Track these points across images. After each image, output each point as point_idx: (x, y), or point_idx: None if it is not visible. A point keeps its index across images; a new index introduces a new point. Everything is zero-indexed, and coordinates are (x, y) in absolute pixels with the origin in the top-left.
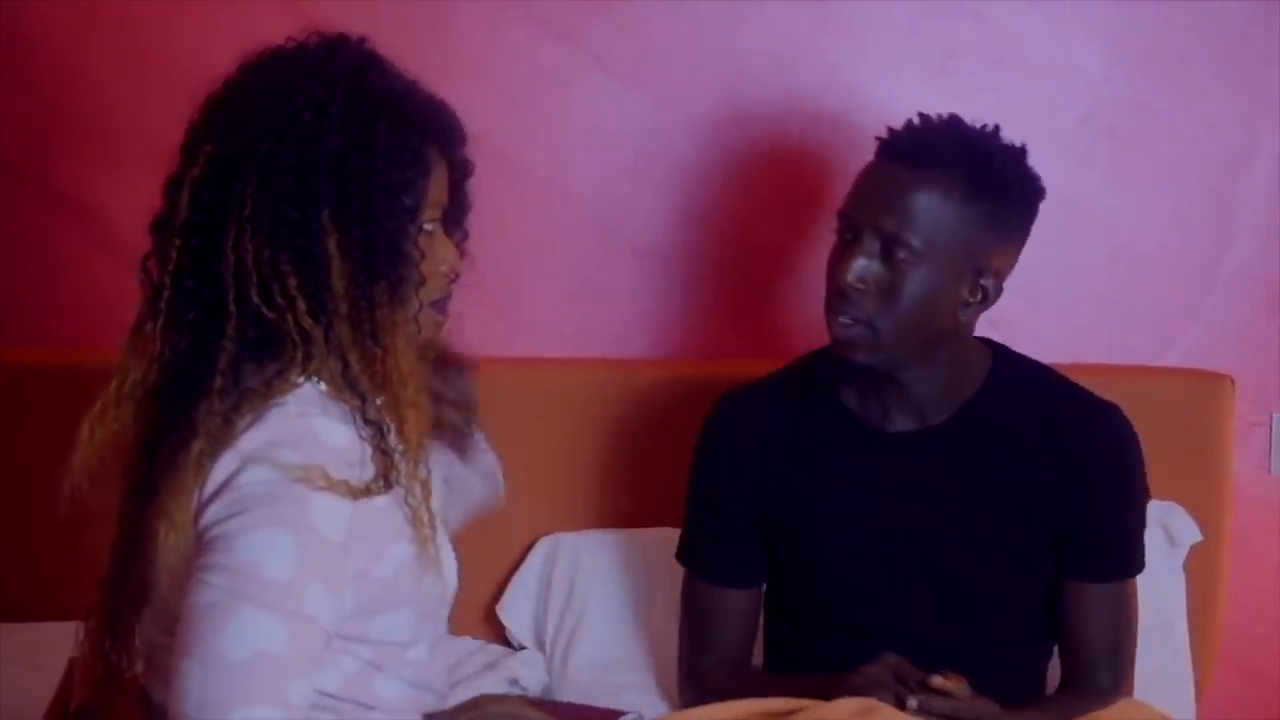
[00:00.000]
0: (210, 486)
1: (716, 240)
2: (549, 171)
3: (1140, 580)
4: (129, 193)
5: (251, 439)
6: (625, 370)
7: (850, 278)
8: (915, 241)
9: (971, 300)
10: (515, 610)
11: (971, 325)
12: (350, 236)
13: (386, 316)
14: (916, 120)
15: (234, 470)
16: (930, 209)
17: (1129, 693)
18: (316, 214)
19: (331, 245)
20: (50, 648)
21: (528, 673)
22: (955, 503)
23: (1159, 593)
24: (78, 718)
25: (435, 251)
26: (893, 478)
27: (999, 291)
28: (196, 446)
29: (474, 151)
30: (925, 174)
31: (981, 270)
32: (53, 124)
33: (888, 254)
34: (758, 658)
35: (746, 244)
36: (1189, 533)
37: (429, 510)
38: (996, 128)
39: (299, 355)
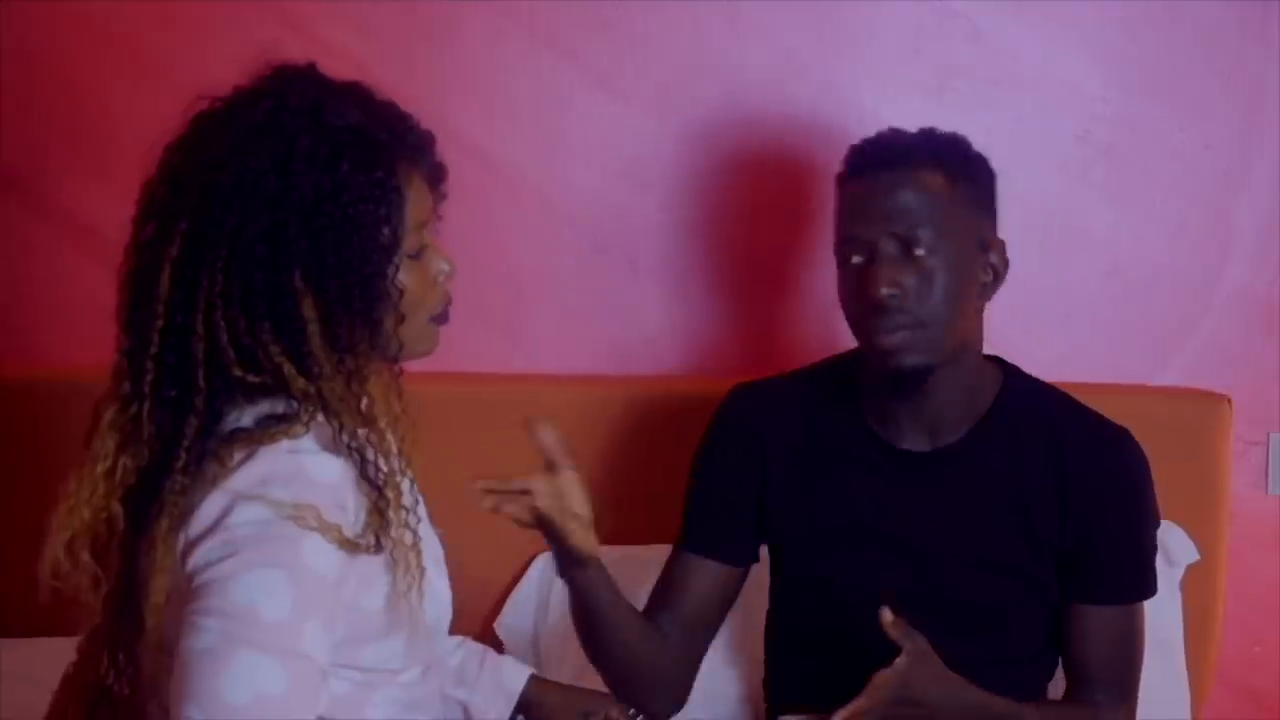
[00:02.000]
0: (199, 525)
1: (717, 257)
2: (549, 188)
3: None
4: (128, 207)
5: (242, 477)
6: (625, 387)
7: (884, 290)
8: (928, 233)
9: (986, 280)
10: (513, 626)
11: (981, 319)
12: (325, 293)
13: (369, 367)
14: (873, 135)
15: (225, 508)
16: (929, 201)
17: (1129, 715)
18: (289, 277)
19: (307, 307)
20: (52, 663)
21: None
22: (962, 523)
23: (1156, 612)
24: None
25: (427, 267)
26: (902, 496)
27: (1006, 266)
28: (163, 524)
29: (473, 167)
30: (911, 172)
31: (986, 248)
32: (50, 138)
33: (907, 253)
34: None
35: (748, 261)
36: (1186, 552)
37: (416, 553)
38: (932, 128)
39: (301, 411)
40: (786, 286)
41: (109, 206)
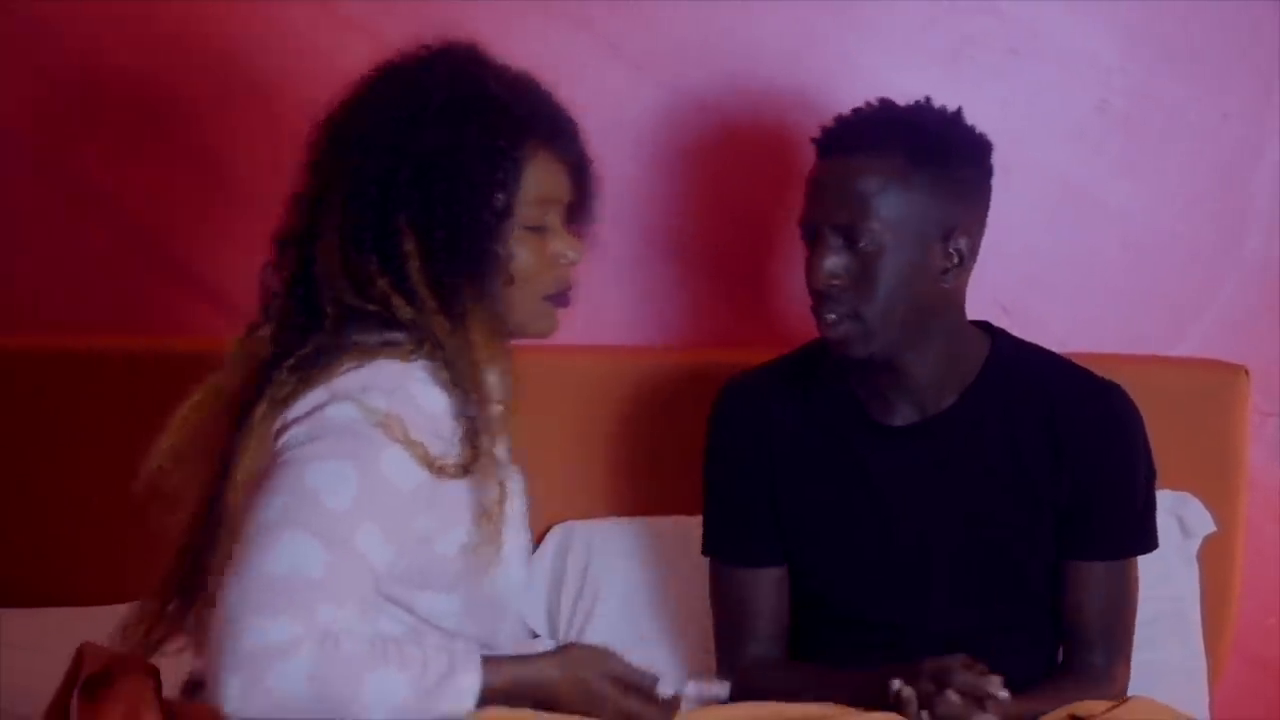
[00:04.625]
0: (296, 411)
1: (730, 229)
2: None
3: (1153, 570)
4: (145, 178)
5: (347, 380)
6: (638, 358)
7: (823, 279)
8: (874, 226)
9: (949, 265)
10: (528, 598)
11: (960, 293)
12: (430, 239)
13: (474, 314)
14: (847, 113)
15: (322, 402)
16: (879, 191)
17: (1124, 674)
18: (395, 218)
19: (409, 247)
20: (53, 633)
21: None
22: (961, 491)
23: (1172, 583)
24: (87, 688)
25: (546, 246)
26: (899, 473)
27: (975, 251)
28: (261, 409)
29: None
30: (864, 159)
31: (949, 235)
32: (65, 109)
33: (851, 245)
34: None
35: (760, 234)
36: (1202, 523)
37: (501, 510)
38: (928, 98)
39: (409, 338)
40: (798, 261)
41: (127, 179)
